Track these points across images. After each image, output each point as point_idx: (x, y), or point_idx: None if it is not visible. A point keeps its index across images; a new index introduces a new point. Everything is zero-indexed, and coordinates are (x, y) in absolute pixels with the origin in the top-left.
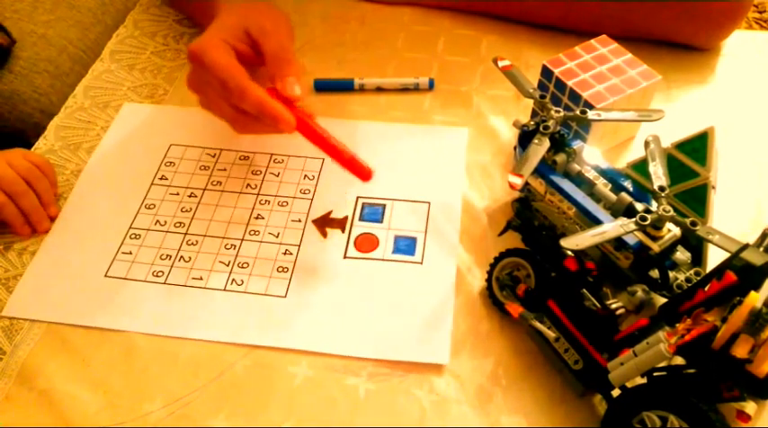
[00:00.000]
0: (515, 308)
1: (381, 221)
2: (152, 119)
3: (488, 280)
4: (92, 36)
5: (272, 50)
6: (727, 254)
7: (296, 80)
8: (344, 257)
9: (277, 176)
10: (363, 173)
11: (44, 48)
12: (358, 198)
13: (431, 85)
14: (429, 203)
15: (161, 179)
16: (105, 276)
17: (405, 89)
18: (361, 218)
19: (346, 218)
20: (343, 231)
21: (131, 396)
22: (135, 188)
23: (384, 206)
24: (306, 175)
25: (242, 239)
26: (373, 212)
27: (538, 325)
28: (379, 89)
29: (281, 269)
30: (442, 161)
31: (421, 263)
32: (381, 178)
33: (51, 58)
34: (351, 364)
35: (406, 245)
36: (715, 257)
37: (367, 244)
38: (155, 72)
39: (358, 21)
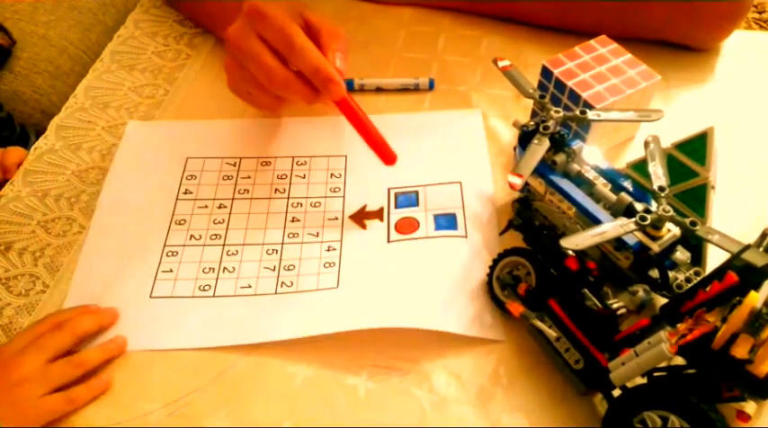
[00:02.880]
0: (516, 307)
1: (417, 205)
2: (160, 134)
3: (489, 280)
4: (92, 36)
5: (328, 27)
6: (727, 255)
7: (343, 56)
8: (388, 241)
9: (303, 178)
10: (389, 157)
11: (45, 48)
12: (389, 189)
13: (431, 85)
14: (461, 183)
15: (185, 193)
16: (150, 297)
17: (405, 89)
18: (397, 206)
19: (382, 208)
20: (381, 220)
21: (131, 395)
22: (160, 205)
23: (417, 192)
24: (332, 174)
25: (282, 243)
26: (407, 199)
27: (539, 324)
28: (379, 89)
29: (327, 264)
30: (463, 142)
31: (465, 237)
32: (407, 166)
33: (52, 59)
34: (351, 364)
35: (447, 222)
36: (715, 257)
37: (407, 226)
38: (155, 72)
39: (358, 21)
